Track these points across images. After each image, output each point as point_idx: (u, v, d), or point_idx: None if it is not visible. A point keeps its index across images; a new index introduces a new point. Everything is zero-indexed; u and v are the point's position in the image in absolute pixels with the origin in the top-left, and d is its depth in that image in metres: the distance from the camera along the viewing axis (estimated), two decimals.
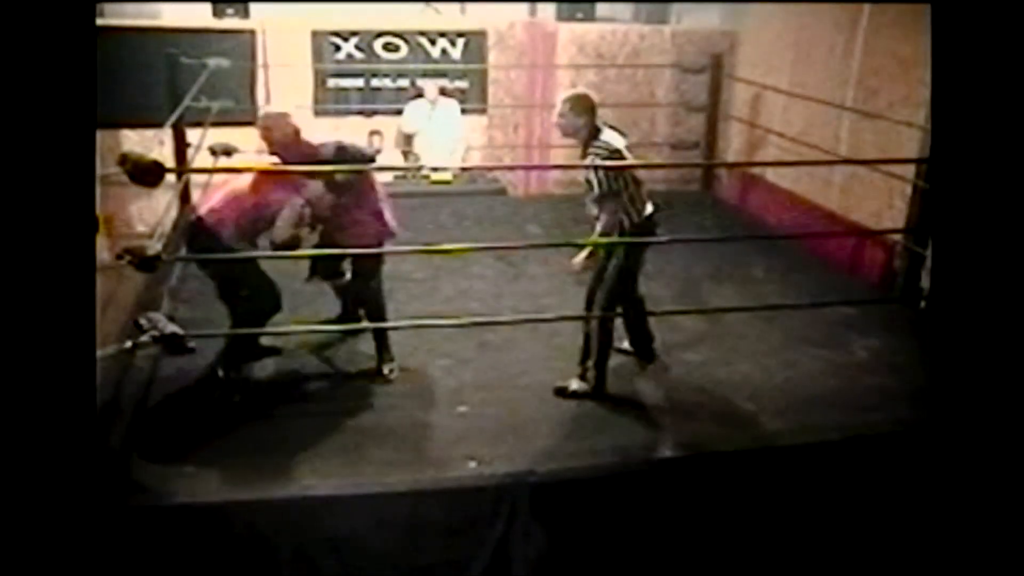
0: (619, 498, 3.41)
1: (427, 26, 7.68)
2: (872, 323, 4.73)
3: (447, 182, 7.26)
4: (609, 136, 3.82)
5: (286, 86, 7.24)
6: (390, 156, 7.26)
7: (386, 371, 4.05)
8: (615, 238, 3.80)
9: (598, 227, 3.82)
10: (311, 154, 3.76)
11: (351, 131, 7.34)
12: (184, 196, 5.92)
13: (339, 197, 3.83)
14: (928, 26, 2.49)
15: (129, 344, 3.66)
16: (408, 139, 7.31)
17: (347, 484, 3.28)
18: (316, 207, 3.79)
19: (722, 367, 4.28)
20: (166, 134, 5.59)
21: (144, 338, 3.64)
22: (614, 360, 4.28)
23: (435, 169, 7.30)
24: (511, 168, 8.24)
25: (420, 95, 7.21)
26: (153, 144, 4.75)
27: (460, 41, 7.70)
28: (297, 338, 4.31)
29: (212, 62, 6.21)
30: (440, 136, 7.12)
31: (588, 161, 3.75)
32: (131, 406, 3.74)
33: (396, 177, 7.32)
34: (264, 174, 3.80)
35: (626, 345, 4.32)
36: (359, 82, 7.62)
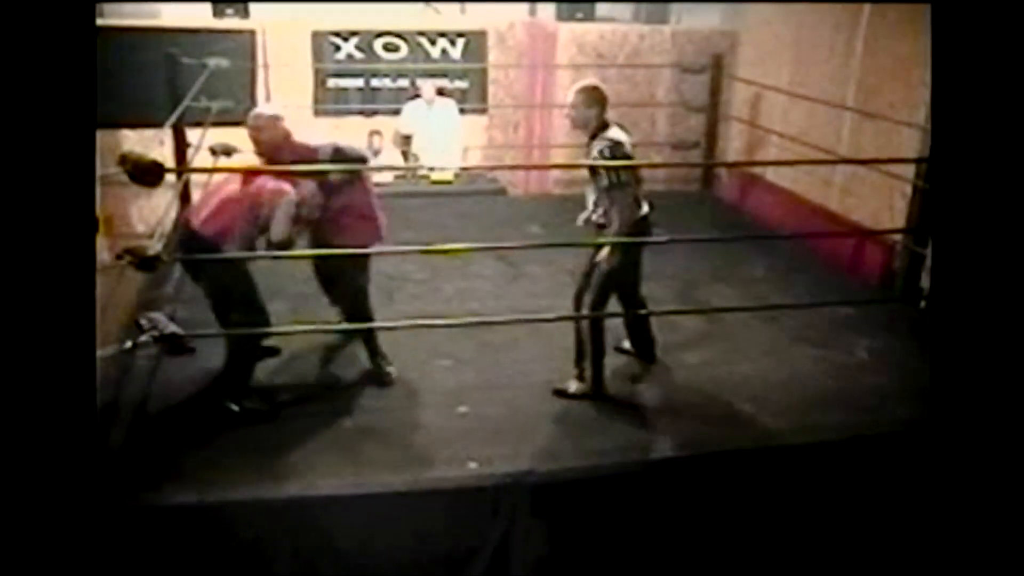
0: (619, 498, 3.41)
1: (427, 26, 7.69)
2: (872, 323, 4.73)
3: (447, 182, 7.26)
4: (616, 132, 3.82)
5: (286, 86, 7.25)
6: (390, 156, 7.27)
7: (389, 371, 4.01)
8: (611, 238, 3.78)
9: (612, 220, 3.77)
10: (305, 156, 3.70)
11: (351, 131, 7.38)
12: (184, 196, 5.92)
13: (331, 198, 3.78)
14: (928, 26, 2.49)
15: (129, 344, 3.66)
16: (406, 139, 7.31)
17: (347, 484, 3.28)
18: (308, 207, 3.73)
19: (722, 367, 4.28)
20: (166, 134, 5.59)
21: (144, 338, 3.64)
22: (615, 360, 4.30)
23: (432, 169, 7.31)
24: (511, 168, 8.24)
25: (417, 96, 7.21)
26: (153, 144, 4.76)
27: (460, 41, 7.71)
28: (298, 338, 4.31)
29: (212, 62, 6.22)
30: (437, 136, 7.12)
31: (593, 153, 3.73)
32: (131, 406, 3.74)
33: (396, 177, 7.32)
34: (259, 175, 3.74)
35: (627, 345, 4.32)
36: (359, 82, 7.62)
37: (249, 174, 3.68)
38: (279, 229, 3.62)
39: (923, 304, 4.92)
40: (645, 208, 3.94)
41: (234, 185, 3.70)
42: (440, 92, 7.29)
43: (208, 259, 3.59)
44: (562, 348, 4.24)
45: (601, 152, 3.70)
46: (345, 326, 4.18)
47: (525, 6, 8.13)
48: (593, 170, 3.78)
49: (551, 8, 7.83)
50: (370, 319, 3.99)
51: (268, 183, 3.64)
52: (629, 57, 7.68)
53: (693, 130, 7.84)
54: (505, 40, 7.81)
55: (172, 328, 3.42)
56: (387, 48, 7.61)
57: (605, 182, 3.73)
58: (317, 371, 4.14)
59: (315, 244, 3.98)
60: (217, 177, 3.92)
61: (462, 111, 7.44)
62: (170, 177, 5.01)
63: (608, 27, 7.73)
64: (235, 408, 3.65)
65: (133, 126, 6.37)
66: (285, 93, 7.25)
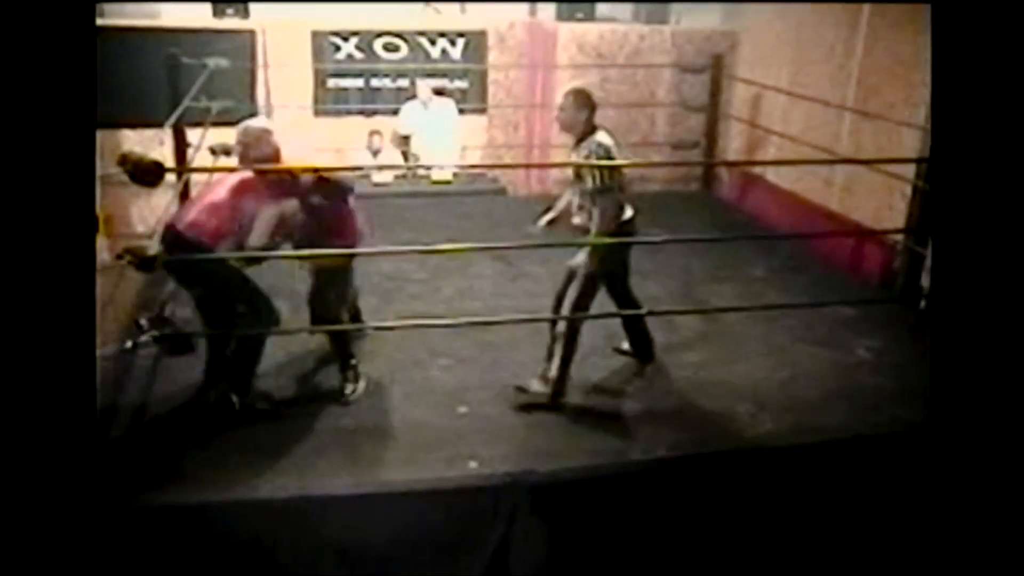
0: (619, 498, 3.41)
1: (427, 26, 7.69)
2: (872, 323, 4.73)
3: (447, 182, 7.26)
4: (603, 136, 3.81)
5: (286, 86, 7.25)
6: (390, 156, 7.27)
7: (347, 391, 3.86)
8: (594, 239, 3.75)
9: (594, 224, 3.75)
10: (289, 179, 3.59)
11: (351, 131, 7.39)
12: (184, 196, 5.91)
13: (313, 219, 3.68)
14: (928, 26, 2.49)
15: (129, 344, 3.66)
16: (405, 140, 7.32)
17: (347, 484, 3.28)
18: (288, 223, 3.65)
19: (722, 367, 4.28)
20: (166, 134, 5.59)
21: (144, 338, 3.64)
22: (614, 360, 4.30)
23: (430, 168, 7.31)
24: (511, 168, 8.24)
25: (415, 96, 7.22)
26: (153, 144, 4.75)
27: (460, 41, 7.71)
28: (298, 338, 4.31)
29: (212, 62, 6.21)
30: (434, 136, 7.12)
31: (582, 155, 3.73)
32: (131, 406, 3.74)
33: (396, 177, 7.33)
34: (248, 180, 3.65)
35: (625, 346, 4.32)
36: (359, 82, 7.63)
37: (226, 182, 3.63)
38: (258, 236, 3.56)
39: (923, 304, 4.92)
40: (630, 212, 3.90)
41: (220, 189, 3.64)
42: (439, 92, 7.29)
43: (205, 259, 3.57)
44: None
45: (588, 156, 3.70)
46: (345, 326, 4.18)
47: (525, 6, 8.14)
48: (579, 173, 3.76)
49: (551, 8, 7.83)
50: (342, 332, 3.93)
51: (256, 199, 3.57)
52: (629, 57, 7.68)
53: (693, 130, 7.84)
54: (505, 40, 7.81)
55: (172, 328, 3.43)
56: (387, 48, 7.61)
57: (591, 185, 3.71)
58: (317, 371, 4.14)
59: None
60: (212, 179, 3.89)
61: (462, 111, 7.44)
62: (170, 177, 5.00)
63: (608, 27, 7.73)
64: (235, 401, 3.62)
65: (133, 126, 6.37)
66: (285, 93, 7.26)
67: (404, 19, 7.68)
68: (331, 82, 7.59)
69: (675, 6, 7.91)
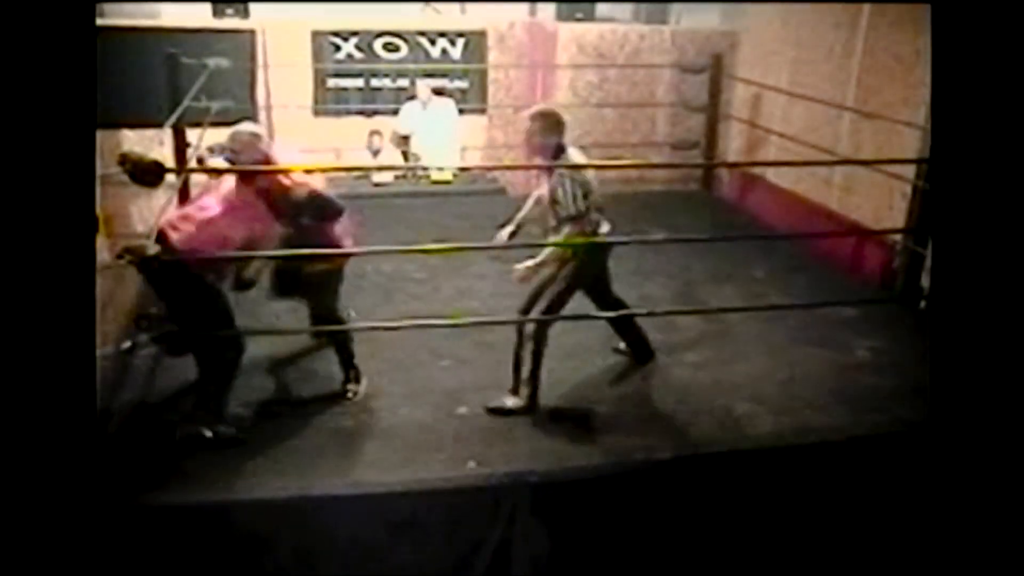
0: (619, 498, 3.41)
1: (427, 26, 7.69)
2: (872, 323, 4.73)
3: (447, 182, 7.27)
4: (575, 154, 3.72)
5: (286, 86, 7.25)
6: (390, 156, 7.27)
7: (349, 393, 3.87)
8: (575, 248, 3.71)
9: (554, 251, 3.69)
10: (281, 189, 3.51)
11: (351, 131, 7.39)
12: (183, 196, 5.92)
13: (300, 236, 3.61)
14: (928, 26, 2.49)
15: (128, 344, 3.65)
16: (404, 139, 7.32)
17: (347, 484, 3.28)
18: (272, 239, 3.61)
19: (722, 367, 4.28)
20: (166, 134, 5.59)
21: (144, 338, 3.64)
22: (614, 360, 4.30)
23: (427, 168, 7.31)
24: (511, 168, 8.24)
25: (414, 96, 7.22)
26: (153, 144, 4.76)
27: (460, 41, 7.71)
28: (298, 337, 4.31)
29: (212, 62, 6.21)
30: (433, 136, 7.12)
31: (555, 181, 3.61)
32: (131, 406, 3.74)
33: (396, 177, 7.33)
34: (241, 200, 3.54)
35: (622, 346, 4.31)
36: (359, 82, 7.63)
37: (247, 175, 3.63)
38: (255, 268, 3.56)
39: (923, 304, 4.92)
40: (606, 227, 3.88)
41: (214, 202, 3.53)
42: (438, 92, 7.29)
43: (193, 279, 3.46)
44: (562, 348, 4.24)
45: (563, 182, 3.60)
46: (346, 327, 4.17)
47: (525, 6, 8.14)
48: (553, 198, 3.66)
49: (551, 8, 7.82)
50: (345, 333, 3.90)
51: (253, 224, 3.49)
52: (629, 57, 7.68)
53: (693, 130, 7.84)
54: (505, 40, 7.81)
55: (171, 327, 3.42)
56: (387, 48, 7.61)
57: (565, 213, 3.62)
58: (316, 371, 4.13)
59: (280, 279, 3.88)
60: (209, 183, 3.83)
61: (462, 111, 7.44)
62: (170, 177, 5.00)
63: (608, 27, 7.73)
64: (208, 435, 3.47)
65: (133, 126, 6.37)
66: (285, 93, 7.26)
67: (404, 19, 7.68)
68: (331, 82, 7.59)
69: (675, 6, 7.91)
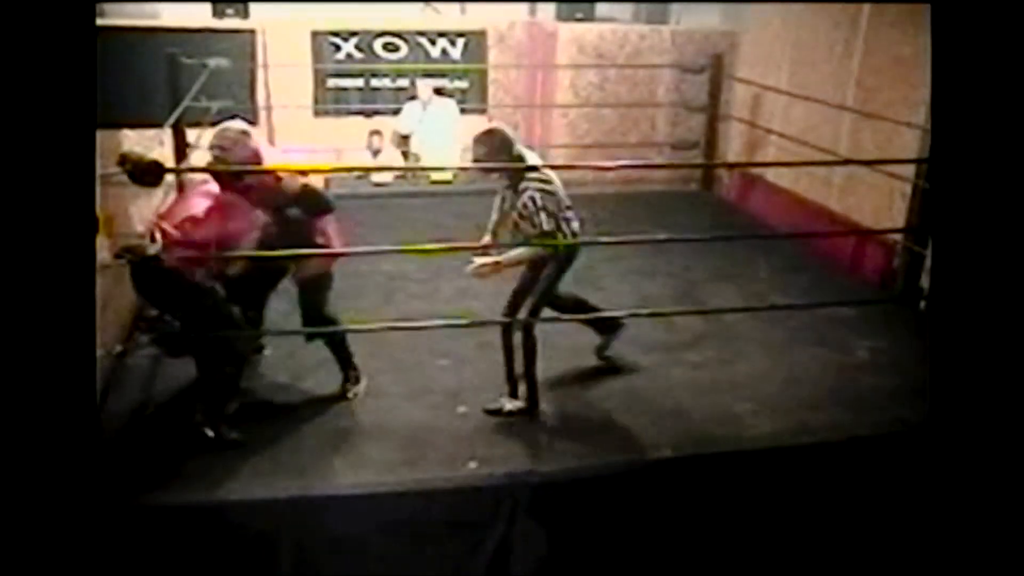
0: (619, 498, 3.41)
1: (427, 26, 7.70)
2: (872, 323, 4.73)
3: (447, 182, 7.26)
4: (533, 160, 3.65)
5: (286, 86, 7.25)
6: (390, 156, 7.27)
7: (349, 394, 3.86)
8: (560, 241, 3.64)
9: (520, 254, 3.63)
10: (269, 186, 3.48)
11: (351, 131, 7.39)
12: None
13: (288, 233, 3.57)
14: (928, 26, 2.49)
15: (122, 348, 3.64)
16: (405, 139, 7.32)
17: (347, 484, 3.28)
18: (261, 237, 3.55)
19: (722, 367, 4.28)
20: (166, 134, 5.59)
21: (144, 338, 3.63)
22: (613, 360, 4.29)
23: (425, 169, 7.31)
24: (511, 168, 8.23)
25: (415, 96, 7.22)
26: (153, 144, 4.75)
27: (460, 41, 7.71)
28: (298, 337, 4.31)
29: (212, 62, 6.21)
30: (433, 136, 7.12)
31: (525, 198, 3.52)
32: (131, 406, 3.74)
33: (396, 177, 7.33)
34: (227, 197, 3.50)
35: (609, 352, 4.22)
36: (359, 82, 7.63)
37: (245, 175, 3.60)
38: (240, 265, 3.50)
39: (923, 304, 4.92)
40: (576, 224, 3.78)
41: (202, 202, 3.47)
42: (439, 92, 7.29)
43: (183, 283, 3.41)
44: (562, 348, 4.25)
45: (533, 200, 3.51)
46: (347, 327, 4.16)
47: (525, 6, 8.14)
48: (520, 215, 3.57)
49: (551, 8, 7.83)
50: (341, 336, 3.85)
51: (239, 221, 3.45)
52: (629, 57, 7.68)
53: (693, 130, 7.84)
54: (505, 40, 7.81)
55: (172, 328, 3.41)
56: (387, 48, 7.62)
57: (532, 231, 3.54)
58: (316, 371, 4.13)
59: (264, 273, 3.78)
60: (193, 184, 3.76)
61: (462, 111, 7.44)
62: (170, 177, 5.00)
63: (608, 27, 7.73)
64: (210, 434, 3.45)
65: (133, 126, 6.36)
66: (285, 93, 7.26)
67: (404, 19, 7.68)
68: (331, 82, 7.59)
69: (675, 6, 7.91)
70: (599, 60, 7.63)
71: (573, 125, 7.71)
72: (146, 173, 3.19)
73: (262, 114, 7.27)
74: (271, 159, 3.60)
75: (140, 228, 6.68)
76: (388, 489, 3.28)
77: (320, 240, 3.69)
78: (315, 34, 7.43)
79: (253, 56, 7.12)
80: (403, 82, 7.65)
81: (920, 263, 5.04)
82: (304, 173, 3.66)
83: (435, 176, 7.28)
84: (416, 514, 3.28)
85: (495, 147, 3.59)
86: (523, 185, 3.56)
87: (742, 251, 5.83)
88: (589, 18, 7.75)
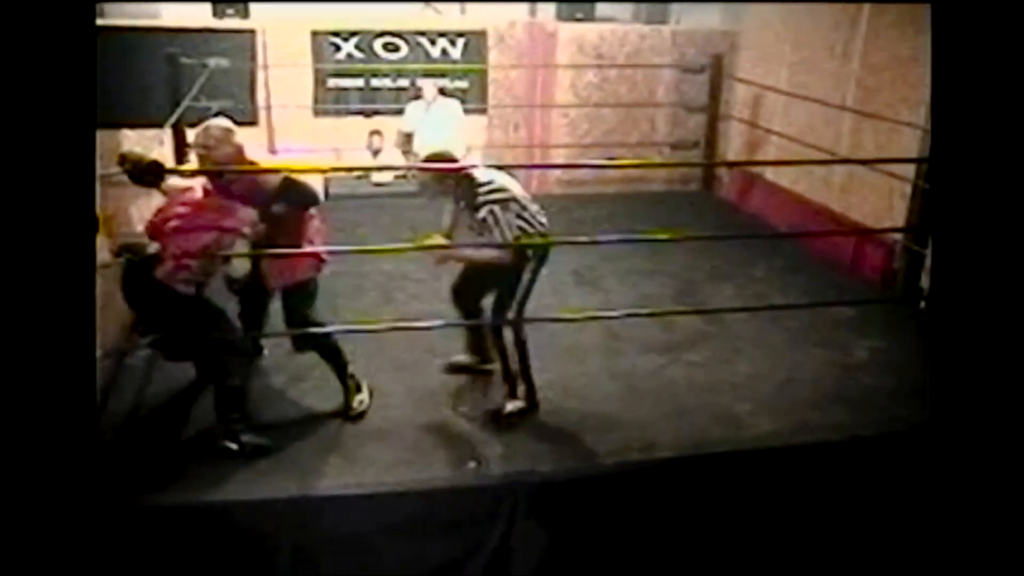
0: (619, 498, 3.41)
1: (427, 26, 7.69)
2: (872, 323, 4.73)
3: None
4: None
5: (286, 86, 7.24)
6: (390, 156, 7.27)
7: (355, 403, 3.76)
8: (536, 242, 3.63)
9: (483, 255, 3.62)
10: (253, 182, 3.45)
11: (351, 131, 7.39)
12: None
13: (274, 230, 3.51)
14: (928, 26, 2.49)
15: (128, 346, 3.64)
16: (408, 138, 7.31)
17: (347, 484, 3.28)
18: (253, 238, 3.49)
19: (722, 367, 4.28)
20: (166, 134, 5.59)
21: (142, 341, 3.61)
22: (614, 361, 4.30)
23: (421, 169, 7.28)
24: (511, 168, 8.23)
25: (419, 96, 7.22)
26: (153, 144, 4.76)
27: (460, 41, 7.70)
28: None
29: (212, 62, 6.22)
30: (435, 136, 7.11)
31: (484, 213, 3.48)
32: (131, 405, 3.74)
33: (396, 177, 7.32)
34: (209, 200, 3.46)
35: (463, 358, 4.14)
36: (359, 82, 7.62)
37: (245, 174, 3.58)
38: (241, 263, 3.46)
39: (923, 304, 4.92)
40: (543, 218, 3.72)
41: (186, 210, 3.42)
42: (443, 92, 7.28)
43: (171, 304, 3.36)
44: (561, 347, 4.25)
45: (493, 215, 3.48)
46: (348, 328, 4.15)
47: (525, 6, 8.13)
48: (484, 220, 3.51)
49: (551, 8, 7.82)
50: (335, 344, 3.78)
51: (223, 219, 3.39)
52: (629, 57, 7.68)
53: (693, 130, 7.84)
54: (505, 40, 7.80)
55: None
56: (387, 48, 7.61)
57: (496, 237, 3.50)
58: (316, 371, 4.13)
59: (252, 276, 3.69)
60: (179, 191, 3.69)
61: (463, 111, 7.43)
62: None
63: (608, 27, 7.73)
64: (234, 448, 3.41)
65: (133, 126, 6.37)
66: (285, 93, 7.25)
67: (404, 19, 7.68)
68: (331, 82, 7.58)
69: (675, 6, 7.90)
70: (599, 60, 7.62)
71: (573, 125, 7.72)
72: (146, 173, 3.19)
73: (262, 114, 7.27)
74: (256, 157, 3.55)
75: (140, 228, 6.70)
76: (388, 489, 3.28)
77: (307, 247, 3.63)
78: (315, 34, 7.42)
79: (253, 56, 7.11)
80: (403, 82, 7.64)
81: (920, 263, 5.05)
82: (292, 171, 3.59)
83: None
84: (416, 514, 3.28)
85: (444, 174, 3.56)
86: (479, 200, 3.52)
87: (742, 251, 5.84)
88: (589, 18, 7.75)
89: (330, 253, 3.81)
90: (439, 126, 7.14)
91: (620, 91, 7.68)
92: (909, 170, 5.20)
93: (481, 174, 3.59)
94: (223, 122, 3.50)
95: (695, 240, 6.10)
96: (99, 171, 3.02)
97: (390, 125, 7.37)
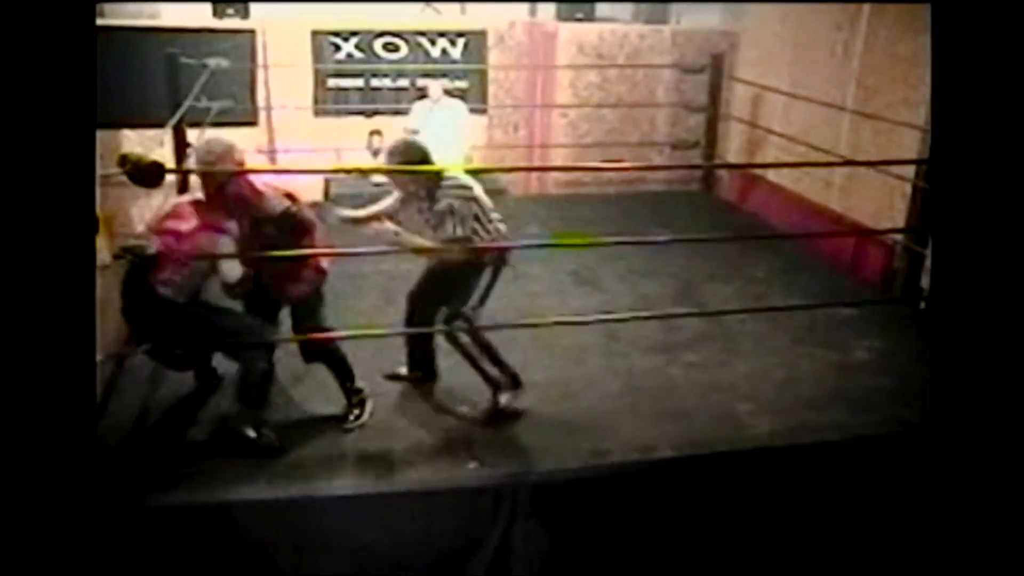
0: (619, 498, 3.41)
1: (427, 26, 7.69)
2: (872, 323, 4.73)
3: None
4: (453, 173, 3.64)
5: (286, 86, 7.25)
6: None
7: (351, 417, 3.69)
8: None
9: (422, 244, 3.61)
10: (252, 201, 3.41)
11: (351, 131, 7.39)
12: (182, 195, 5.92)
13: (260, 246, 3.46)
14: (928, 26, 2.49)
15: (127, 349, 3.63)
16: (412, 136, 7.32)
17: (347, 484, 3.28)
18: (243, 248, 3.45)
19: (722, 367, 4.28)
20: (166, 134, 5.59)
21: (140, 350, 3.60)
22: (614, 361, 4.29)
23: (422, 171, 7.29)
24: (511, 169, 8.25)
25: (425, 95, 7.22)
26: (153, 144, 4.75)
27: (460, 41, 7.71)
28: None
29: (212, 62, 6.21)
30: (438, 136, 7.11)
31: (442, 205, 3.48)
32: (131, 405, 3.74)
33: None
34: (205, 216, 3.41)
35: (403, 371, 4.08)
36: (359, 82, 7.63)
37: (217, 186, 3.45)
38: (231, 270, 3.37)
39: (923, 304, 4.92)
40: (502, 226, 3.76)
41: (173, 225, 3.40)
42: (448, 93, 7.28)
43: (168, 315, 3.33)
44: (562, 347, 4.25)
45: (451, 207, 3.48)
46: (350, 334, 4.14)
47: (525, 6, 8.14)
48: (441, 211, 3.50)
49: (551, 8, 7.83)
50: (341, 355, 3.76)
51: (207, 233, 3.36)
52: (629, 57, 7.68)
53: (693, 130, 7.85)
54: (505, 40, 7.81)
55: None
56: (387, 48, 7.61)
57: (449, 235, 3.49)
58: (316, 371, 4.13)
59: (257, 293, 3.62)
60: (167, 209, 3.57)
61: None
62: (170, 177, 4.99)
63: (608, 27, 7.73)
64: (252, 435, 3.41)
65: (133, 126, 6.37)
66: (285, 93, 7.26)
67: (404, 19, 7.68)
68: (331, 82, 7.59)
69: (675, 6, 7.91)
70: (599, 60, 7.63)
71: (573, 125, 7.72)
72: (146, 174, 3.19)
73: (262, 114, 7.27)
74: (259, 179, 3.49)
75: (140, 228, 6.70)
76: (388, 489, 3.28)
77: (305, 267, 3.60)
78: (315, 34, 7.43)
79: (253, 56, 7.12)
80: (403, 82, 7.65)
81: (920, 263, 5.05)
82: (293, 198, 3.54)
83: None
84: (416, 514, 3.28)
85: (413, 160, 3.57)
86: (440, 193, 3.53)
87: (742, 251, 5.83)
88: (589, 18, 7.76)
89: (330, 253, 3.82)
90: (444, 126, 7.15)
91: (620, 91, 7.68)
92: (909, 170, 5.20)
93: (449, 174, 3.61)
94: (227, 139, 3.48)
95: (695, 240, 6.10)
96: (99, 171, 3.03)
97: (390, 125, 7.37)
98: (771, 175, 7.11)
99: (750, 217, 7.00)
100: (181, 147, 6.10)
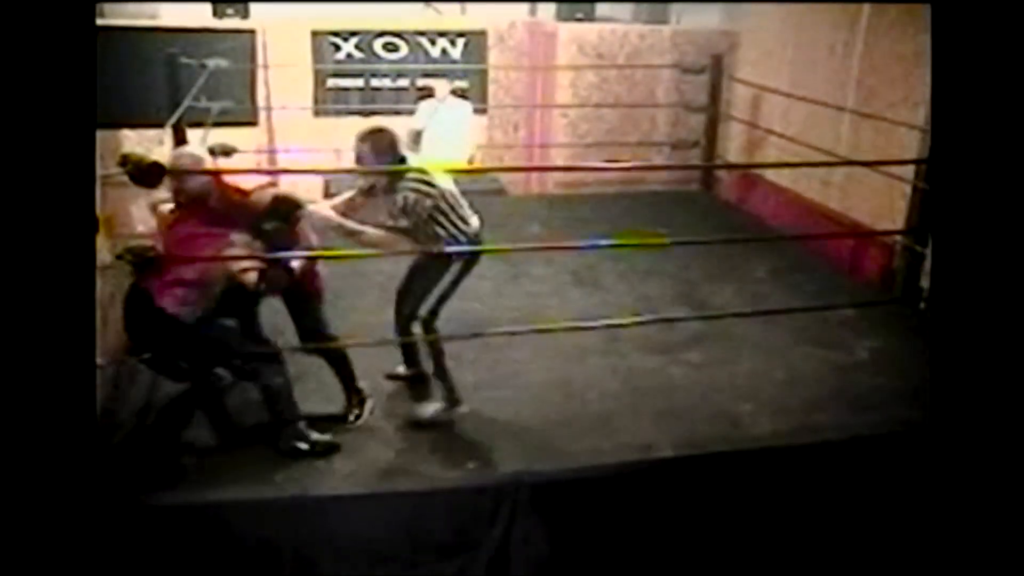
0: (619, 498, 3.41)
1: (427, 26, 7.69)
2: (872, 323, 4.73)
3: None
4: (420, 168, 3.62)
5: (286, 86, 7.25)
6: None
7: (351, 416, 3.74)
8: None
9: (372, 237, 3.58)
10: (238, 204, 3.41)
11: (351, 131, 7.38)
12: None
13: (267, 245, 3.46)
14: (928, 26, 2.49)
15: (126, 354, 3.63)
16: (418, 137, 7.31)
17: (347, 484, 3.28)
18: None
19: (722, 367, 4.28)
20: (166, 135, 5.59)
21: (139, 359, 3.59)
22: (614, 360, 4.30)
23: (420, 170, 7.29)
24: (511, 170, 8.25)
25: (430, 95, 7.21)
26: (153, 144, 4.75)
27: (460, 41, 7.71)
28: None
29: (212, 62, 6.21)
30: (440, 136, 7.11)
31: (399, 198, 3.48)
32: (131, 405, 3.74)
33: None
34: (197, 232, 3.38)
35: (401, 370, 4.10)
36: (359, 82, 7.62)
37: (195, 203, 3.44)
38: (279, 275, 3.39)
39: (923, 304, 4.92)
40: (475, 221, 3.75)
41: (177, 244, 3.38)
42: (453, 92, 7.28)
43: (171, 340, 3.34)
44: (562, 347, 4.25)
45: (407, 199, 3.47)
46: (353, 342, 4.13)
47: (525, 6, 8.14)
48: (404, 208, 3.50)
49: (551, 8, 7.82)
50: (343, 352, 3.78)
51: (211, 247, 3.34)
52: (629, 57, 7.68)
53: (693, 130, 7.85)
54: (505, 40, 7.81)
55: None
56: (387, 48, 7.61)
57: (408, 225, 3.49)
58: (316, 371, 4.13)
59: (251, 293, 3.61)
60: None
61: None
62: None
63: (608, 27, 7.73)
64: (304, 447, 3.45)
65: (133, 126, 6.37)
66: (285, 93, 7.26)
67: (404, 19, 7.68)
68: (331, 82, 7.58)
69: (675, 6, 7.91)
70: (599, 60, 7.62)
71: (573, 125, 7.71)
72: (147, 174, 3.18)
73: (262, 114, 7.27)
74: (233, 180, 3.51)
75: (140, 228, 6.70)
76: (388, 489, 3.28)
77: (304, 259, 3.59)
78: (315, 34, 7.43)
79: (253, 56, 7.11)
80: (403, 82, 7.64)
81: (920, 263, 5.05)
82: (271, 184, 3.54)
83: None
84: (416, 514, 3.28)
85: (380, 149, 3.57)
86: (400, 185, 3.52)
87: (742, 251, 5.84)
88: (589, 18, 7.75)
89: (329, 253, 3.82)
90: (449, 126, 7.14)
91: (620, 91, 7.68)
92: (909, 170, 5.20)
93: (417, 166, 3.61)
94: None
95: (695, 242, 6.10)
96: (99, 171, 3.03)
97: (390, 125, 7.37)
98: (771, 175, 7.11)
99: (750, 217, 7.00)
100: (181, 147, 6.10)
